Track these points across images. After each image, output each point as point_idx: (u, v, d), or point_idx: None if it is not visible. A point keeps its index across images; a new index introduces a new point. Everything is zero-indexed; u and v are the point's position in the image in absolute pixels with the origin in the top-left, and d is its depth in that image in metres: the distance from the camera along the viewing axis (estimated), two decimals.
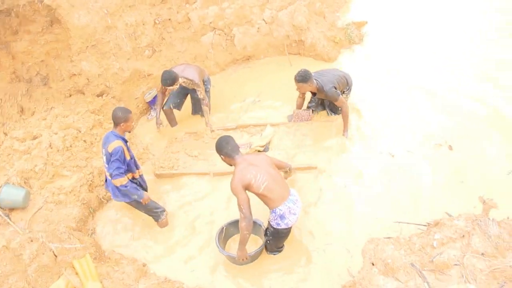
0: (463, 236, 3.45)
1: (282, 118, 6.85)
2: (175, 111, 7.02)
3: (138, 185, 5.25)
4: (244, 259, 4.64)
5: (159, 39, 7.61)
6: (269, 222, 4.61)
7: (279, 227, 4.50)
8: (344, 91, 6.29)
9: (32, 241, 4.65)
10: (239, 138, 6.50)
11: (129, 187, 4.95)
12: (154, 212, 5.40)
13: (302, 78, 5.89)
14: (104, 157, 4.96)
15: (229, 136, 4.61)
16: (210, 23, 7.79)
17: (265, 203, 4.49)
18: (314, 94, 6.41)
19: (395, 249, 3.67)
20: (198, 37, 7.87)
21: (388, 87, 7.10)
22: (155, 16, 7.41)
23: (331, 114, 6.64)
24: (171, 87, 6.32)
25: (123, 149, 4.84)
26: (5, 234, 4.76)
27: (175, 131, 7.05)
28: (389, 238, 3.92)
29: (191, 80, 6.46)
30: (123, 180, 4.87)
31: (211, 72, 7.96)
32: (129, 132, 5.18)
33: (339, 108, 6.29)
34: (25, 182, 5.53)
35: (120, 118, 4.84)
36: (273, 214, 4.46)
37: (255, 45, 8.02)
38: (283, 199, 4.43)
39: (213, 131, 6.71)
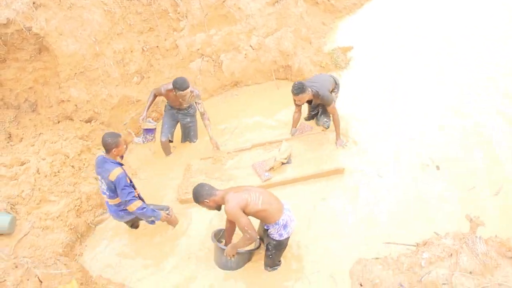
0: (451, 254, 3.46)
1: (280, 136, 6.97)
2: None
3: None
4: (231, 257, 4.71)
5: (147, 65, 7.68)
6: (269, 236, 4.61)
7: (282, 238, 4.54)
8: (334, 90, 6.63)
9: (16, 267, 4.58)
10: (257, 156, 6.58)
11: (146, 209, 4.98)
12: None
13: (300, 89, 6.12)
14: (105, 185, 4.94)
15: (200, 184, 4.62)
16: (198, 49, 7.88)
17: (265, 218, 4.47)
18: (309, 102, 6.73)
19: (383, 269, 3.67)
20: (186, 64, 7.95)
21: (376, 106, 7.24)
22: (143, 43, 7.49)
23: (324, 123, 6.90)
24: (185, 92, 6.19)
25: (125, 174, 4.86)
26: None
27: (180, 159, 7.00)
28: (377, 258, 3.93)
29: (192, 92, 6.43)
30: (138, 203, 4.91)
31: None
32: (122, 157, 5.14)
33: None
34: (11, 208, 5.47)
35: (111, 144, 4.83)
36: (276, 226, 4.47)
37: (243, 71, 8.11)
38: (281, 210, 4.47)
39: (229, 153, 6.73)
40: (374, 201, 5.64)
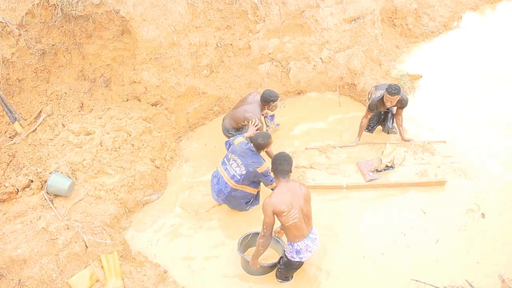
0: None
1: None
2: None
3: None
4: (255, 268, 4.91)
5: (218, 61, 7.96)
6: (284, 251, 4.78)
7: (293, 259, 4.66)
8: None
9: (68, 228, 4.99)
10: (363, 155, 6.75)
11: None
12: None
13: (398, 90, 6.09)
14: (243, 170, 5.43)
15: (287, 158, 4.60)
16: (269, 53, 8.08)
17: (286, 233, 4.63)
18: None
19: None
20: (255, 65, 8.17)
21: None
22: (218, 39, 7.77)
23: (391, 127, 7.06)
24: (276, 103, 6.39)
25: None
26: (46, 217, 5.12)
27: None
28: None
29: None
30: (274, 184, 5.36)
31: None
32: None
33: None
34: (72, 173, 5.91)
35: (263, 145, 5.47)
36: (290, 247, 4.63)
37: (309, 81, 8.24)
38: (303, 236, 4.56)
39: (334, 147, 6.90)
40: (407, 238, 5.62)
